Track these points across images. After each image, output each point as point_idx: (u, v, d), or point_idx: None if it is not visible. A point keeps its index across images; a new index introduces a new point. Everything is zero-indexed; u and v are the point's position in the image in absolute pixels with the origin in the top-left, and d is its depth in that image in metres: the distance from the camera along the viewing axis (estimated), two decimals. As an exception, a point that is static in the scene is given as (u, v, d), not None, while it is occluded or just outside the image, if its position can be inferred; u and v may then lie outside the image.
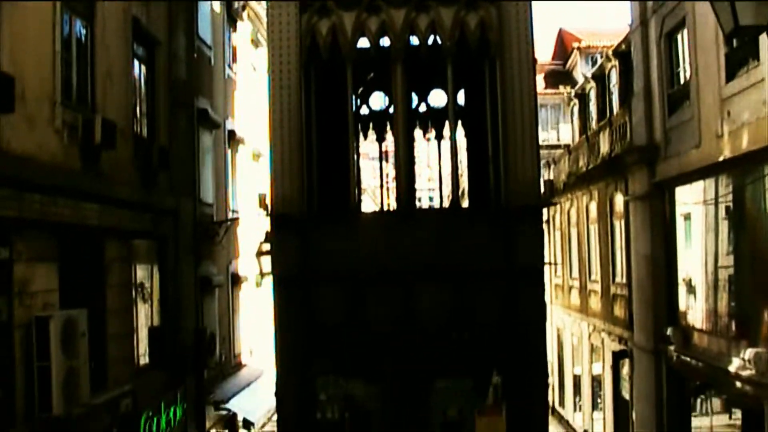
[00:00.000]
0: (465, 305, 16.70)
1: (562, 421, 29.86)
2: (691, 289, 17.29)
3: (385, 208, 24.90)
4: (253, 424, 21.84)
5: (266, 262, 18.80)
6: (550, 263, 29.34)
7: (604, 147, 22.95)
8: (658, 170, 18.33)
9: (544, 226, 19.67)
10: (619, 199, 21.60)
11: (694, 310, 17.14)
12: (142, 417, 14.86)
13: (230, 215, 22.41)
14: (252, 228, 23.81)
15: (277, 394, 17.33)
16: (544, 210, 19.60)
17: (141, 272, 15.93)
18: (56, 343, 10.94)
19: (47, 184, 11.53)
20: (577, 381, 28.50)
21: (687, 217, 17.46)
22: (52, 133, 11.93)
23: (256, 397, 21.75)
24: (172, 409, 16.39)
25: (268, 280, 19.46)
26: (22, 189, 10.84)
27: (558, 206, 30.15)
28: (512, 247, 16.46)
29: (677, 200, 17.81)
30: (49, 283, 11.67)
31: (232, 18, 24.15)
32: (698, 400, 17.52)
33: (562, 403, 30.85)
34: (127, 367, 14.67)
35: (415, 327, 16.72)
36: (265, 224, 19.23)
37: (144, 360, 15.92)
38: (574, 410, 28.96)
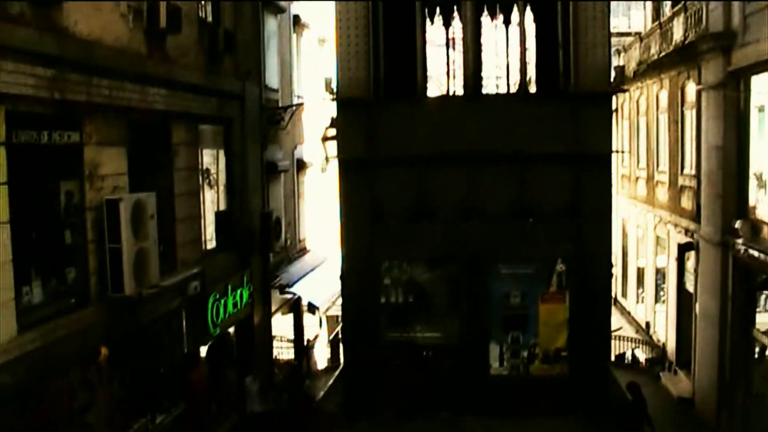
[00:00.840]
0: (530, 190, 16.59)
1: (624, 312, 29.90)
2: (761, 183, 16.92)
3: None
4: (317, 307, 22.26)
5: (331, 147, 18.80)
6: (617, 151, 28.96)
7: (678, 34, 22.23)
8: (733, 58, 17.73)
9: (613, 115, 19.30)
10: (691, 88, 21.02)
11: (765, 203, 16.81)
12: (209, 299, 15.21)
13: (295, 101, 22.39)
14: (317, 113, 23.79)
15: (342, 278, 17.58)
16: (613, 98, 19.20)
17: (207, 157, 16.07)
18: (126, 225, 11.17)
19: (114, 68, 11.59)
20: (640, 273, 28.41)
21: (761, 108, 16.95)
22: (117, 18, 11.92)
23: (320, 281, 22.12)
24: (238, 292, 16.74)
25: (333, 166, 19.51)
26: (90, 73, 10.92)
27: (627, 95, 29.55)
28: (580, 133, 16.22)
29: (753, 90, 17.27)
30: (119, 167, 11.85)
31: None
32: (764, 295, 17.35)
33: (624, 294, 30.86)
34: (194, 250, 14.97)
35: (479, 212, 16.70)
36: (329, 110, 19.17)
37: (211, 243, 16.22)
38: (637, 302, 28.97)
